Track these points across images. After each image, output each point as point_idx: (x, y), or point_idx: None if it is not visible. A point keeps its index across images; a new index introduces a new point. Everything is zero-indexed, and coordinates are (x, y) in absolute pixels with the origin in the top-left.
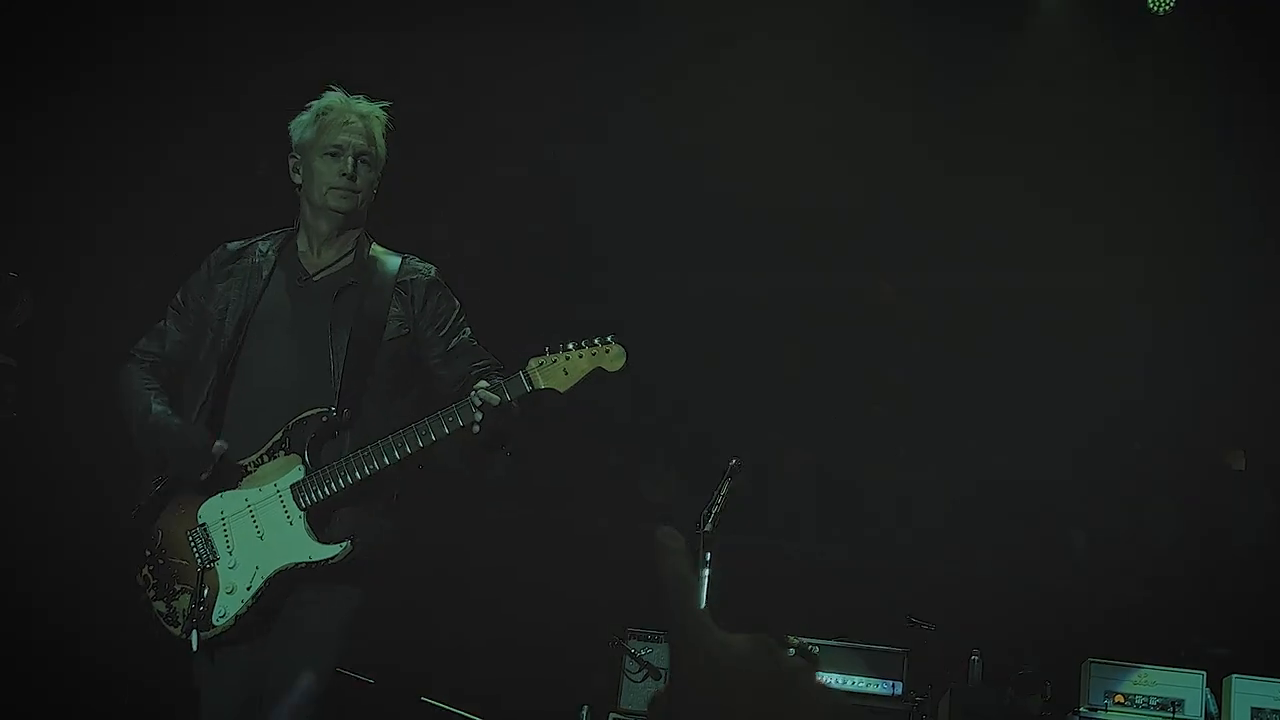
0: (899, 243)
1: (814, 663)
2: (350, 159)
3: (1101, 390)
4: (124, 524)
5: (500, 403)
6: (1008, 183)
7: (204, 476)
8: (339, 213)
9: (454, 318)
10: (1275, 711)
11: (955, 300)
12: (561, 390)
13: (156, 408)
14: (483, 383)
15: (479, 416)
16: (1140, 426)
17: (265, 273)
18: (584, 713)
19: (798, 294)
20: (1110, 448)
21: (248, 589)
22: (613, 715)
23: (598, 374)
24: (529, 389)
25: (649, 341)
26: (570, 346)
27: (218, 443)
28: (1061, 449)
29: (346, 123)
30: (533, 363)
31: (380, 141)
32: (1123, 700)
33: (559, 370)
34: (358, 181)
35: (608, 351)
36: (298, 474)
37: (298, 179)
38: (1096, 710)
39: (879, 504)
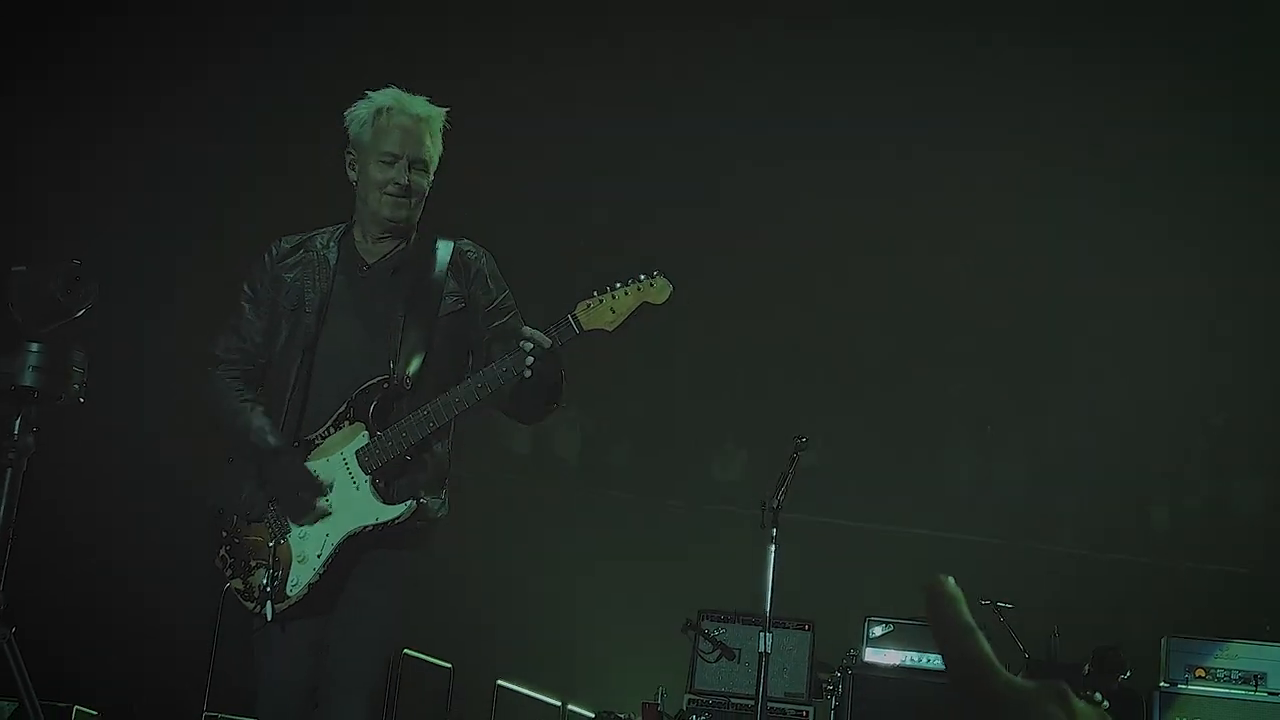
0: (982, 225)
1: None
2: (404, 167)
3: (1183, 366)
4: (201, 508)
5: (551, 345)
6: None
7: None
8: (393, 221)
9: (503, 299)
10: None
11: (1037, 280)
12: (610, 330)
13: (257, 421)
14: (528, 329)
15: (530, 361)
16: (1223, 401)
17: (331, 263)
18: (660, 693)
19: (871, 275)
20: (1193, 424)
21: (318, 556)
22: (688, 696)
23: (646, 309)
24: (577, 332)
25: (719, 321)
26: (615, 286)
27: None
28: (1144, 426)
29: (403, 128)
30: (579, 306)
31: (435, 145)
32: (1204, 674)
33: (605, 310)
34: (411, 189)
35: (652, 285)
36: (362, 440)
37: (353, 176)
38: (1177, 684)
39: (958, 483)
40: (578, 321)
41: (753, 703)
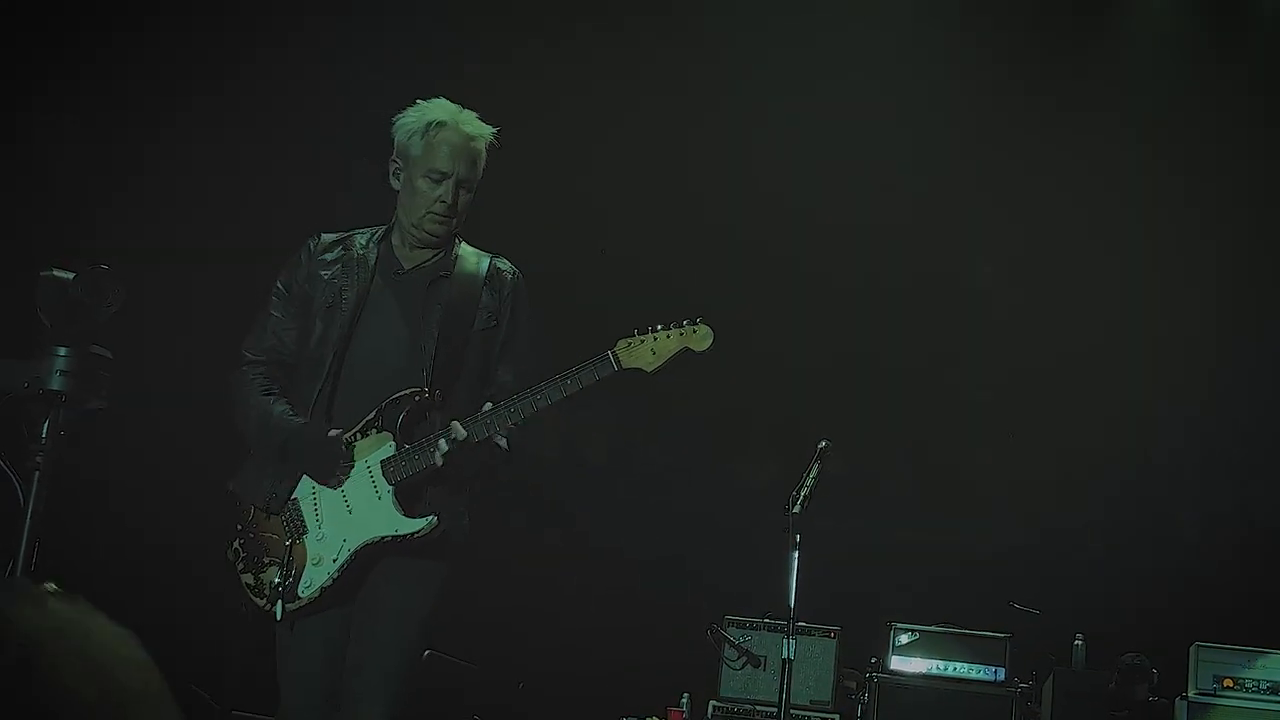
0: (1014, 229)
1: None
2: (452, 186)
3: (1210, 370)
4: (218, 502)
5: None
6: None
7: (341, 478)
8: (435, 236)
9: (528, 320)
10: None
11: (1057, 282)
12: (648, 370)
13: (279, 408)
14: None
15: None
16: (1250, 406)
17: (371, 264)
18: (684, 701)
19: (897, 279)
20: (1219, 428)
21: (334, 560)
22: (713, 703)
23: (685, 354)
24: (615, 369)
25: (749, 325)
26: (658, 328)
27: (333, 431)
28: (1170, 430)
29: (453, 145)
30: (620, 344)
31: (482, 164)
32: (1232, 684)
33: (646, 351)
34: (457, 208)
35: (695, 331)
36: (389, 450)
37: (396, 185)
38: (1205, 695)
39: (981, 488)
40: (617, 359)
41: (778, 710)
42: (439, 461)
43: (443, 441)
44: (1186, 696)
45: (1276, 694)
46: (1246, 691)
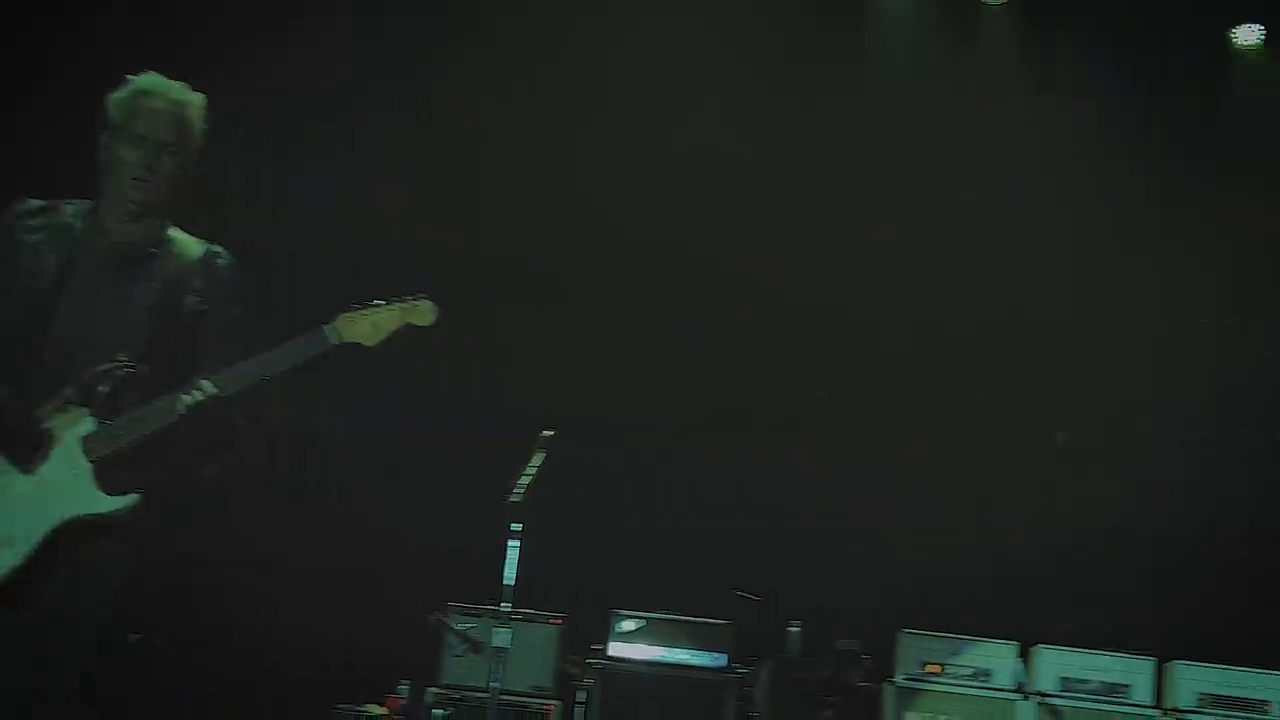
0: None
1: None
2: (154, 150)
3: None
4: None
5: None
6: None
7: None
8: (137, 204)
9: (241, 310)
10: (1082, 680)
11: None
12: (370, 344)
13: None
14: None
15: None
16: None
17: (76, 234)
18: (404, 689)
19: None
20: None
21: (26, 540)
22: (432, 690)
23: (409, 330)
24: (334, 342)
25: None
26: (379, 302)
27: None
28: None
29: (157, 110)
30: (341, 318)
31: (193, 130)
32: (938, 670)
33: (367, 325)
34: (159, 174)
35: (416, 306)
36: (88, 426)
37: (106, 158)
38: (912, 680)
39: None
40: (336, 332)
41: (501, 697)
42: (180, 412)
43: (193, 394)
44: (894, 681)
45: (978, 679)
46: (949, 676)
